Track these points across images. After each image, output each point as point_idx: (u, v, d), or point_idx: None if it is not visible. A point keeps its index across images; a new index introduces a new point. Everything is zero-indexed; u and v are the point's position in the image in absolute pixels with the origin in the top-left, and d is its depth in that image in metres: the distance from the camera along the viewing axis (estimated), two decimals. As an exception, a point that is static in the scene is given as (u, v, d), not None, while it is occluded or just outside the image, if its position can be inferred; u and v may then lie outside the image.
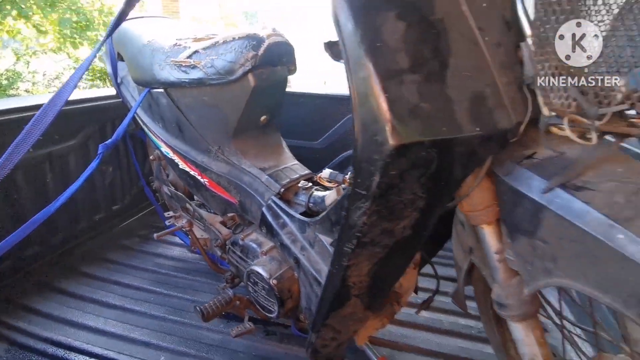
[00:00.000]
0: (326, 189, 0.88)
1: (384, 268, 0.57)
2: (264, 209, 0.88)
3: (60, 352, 0.93)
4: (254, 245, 0.91)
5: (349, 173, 0.78)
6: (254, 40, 0.80)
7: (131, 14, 1.17)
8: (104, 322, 1.03)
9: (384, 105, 0.42)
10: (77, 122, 1.33)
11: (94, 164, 0.90)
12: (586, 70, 0.36)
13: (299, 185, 0.92)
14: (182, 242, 1.36)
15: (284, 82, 0.91)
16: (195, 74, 0.86)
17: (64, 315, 1.04)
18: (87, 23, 4.78)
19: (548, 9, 0.37)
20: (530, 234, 0.44)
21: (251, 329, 0.87)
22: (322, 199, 0.85)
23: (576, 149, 0.42)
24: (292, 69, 0.91)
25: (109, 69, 1.25)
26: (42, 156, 1.21)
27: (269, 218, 0.87)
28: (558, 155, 0.44)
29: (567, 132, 0.39)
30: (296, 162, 1.00)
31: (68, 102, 1.28)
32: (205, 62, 0.84)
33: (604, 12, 0.37)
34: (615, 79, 0.34)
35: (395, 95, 0.41)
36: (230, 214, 1.00)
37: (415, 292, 0.93)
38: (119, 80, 1.20)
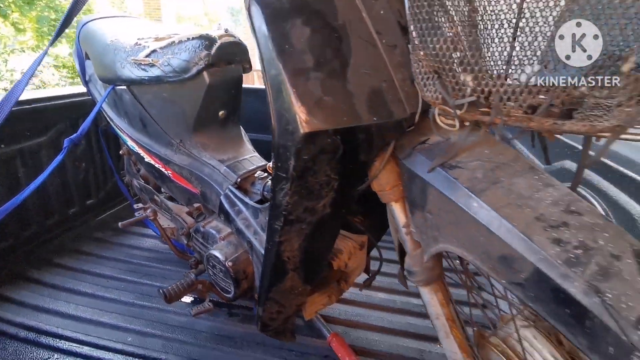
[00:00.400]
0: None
1: (313, 243, 0.65)
2: (222, 197, 0.95)
3: (32, 335, 0.99)
4: (213, 232, 0.98)
5: None
6: (207, 41, 0.87)
7: (101, 14, 1.23)
8: (75, 308, 1.09)
9: (293, 99, 0.49)
10: (48, 119, 1.37)
11: (59, 157, 0.95)
12: (447, 68, 0.43)
13: (255, 175, 0.98)
14: (154, 233, 1.42)
15: (239, 79, 0.97)
16: (154, 72, 0.92)
17: (36, 302, 1.10)
18: (66, 20, 4.74)
19: (418, 16, 0.44)
20: (422, 208, 0.52)
21: (210, 308, 0.94)
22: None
23: (458, 135, 0.50)
24: (246, 67, 0.97)
25: (77, 67, 1.29)
26: (14, 152, 1.25)
27: (226, 206, 0.94)
28: (444, 140, 0.51)
29: (437, 119, 0.46)
30: (255, 154, 1.06)
31: (39, 100, 1.35)
32: (162, 61, 0.90)
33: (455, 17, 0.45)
34: (465, 76, 0.42)
35: (303, 90, 0.49)
36: (195, 205, 1.06)
37: (367, 273, 1.01)
38: (87, 78, 1.25)
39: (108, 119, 1.19)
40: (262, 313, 0.78)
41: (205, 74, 0.89)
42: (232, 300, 0.95)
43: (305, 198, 0.57)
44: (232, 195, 0.94)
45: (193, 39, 0.88)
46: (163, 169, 1.06)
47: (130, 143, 1.12)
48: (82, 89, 1.50)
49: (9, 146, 1.24)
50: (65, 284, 1.19)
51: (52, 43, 0.86)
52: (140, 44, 0.97)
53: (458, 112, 0.43)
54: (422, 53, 0.44)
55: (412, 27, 0.45)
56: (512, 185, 0.43)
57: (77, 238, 1.45)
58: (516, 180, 0.43)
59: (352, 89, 0.50)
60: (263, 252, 0.84)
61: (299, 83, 0.48)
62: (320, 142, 0.51)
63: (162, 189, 1.20)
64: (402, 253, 0.74)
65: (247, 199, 0.91)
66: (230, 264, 0.88)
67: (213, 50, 0.87)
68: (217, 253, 0.90)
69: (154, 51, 0.92)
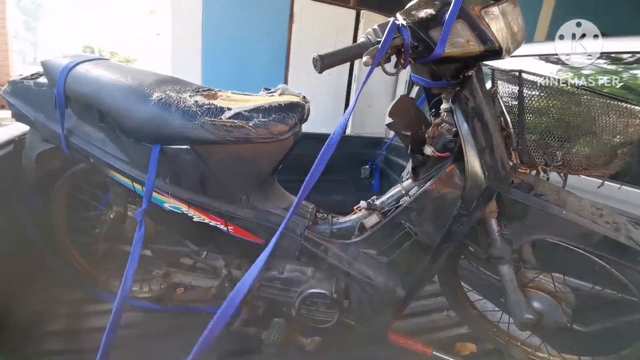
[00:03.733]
0: (332, 216, 1.15)
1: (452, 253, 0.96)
2: (303, 241, 1.06)
3: None
4: (297, 274, 1.07)
5: (376, 200, 1.10)
6: (299, 107, 0.98)
7: (79, 56, 1.03)
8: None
9: (481, 169, 0.81)
10: None
11: (140, 234, 0.81)
12: (548, 151, 0.87)
13: (318, 216, 1.14)
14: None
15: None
16: (240, 133, 0.94)
17: None
18: None
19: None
20: (520, 219, 0.93)
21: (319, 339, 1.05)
22: (346, 223, 1.12)
23: (528, 177, 0.94)
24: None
25: (32, 118, 1.00)
26: None
27: (310, 247, 1.06)
28: (522, 181, 0.95)
29: (535, 171, 0.90)
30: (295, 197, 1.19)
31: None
32: (253, 123, 0.94)
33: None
34: (559, 153, 0.86)
35: (483, 163, 0.81)
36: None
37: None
38: (65, 131, 1.00)
39: (121, 178, 1.01)
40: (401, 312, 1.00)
41: (292, 134, 0.99)
42: (328, 327, 1.07)
43: (466, 226, 0.88)
44: (312, 237, 1.07)
45: (286, 105, 0.97)
46: (222, 226, 1.04)
47: (171, 204, 1.01)
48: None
49: None
50: None
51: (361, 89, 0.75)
52: (206, 105, 0.94)
53: (549, 168, 0.88)
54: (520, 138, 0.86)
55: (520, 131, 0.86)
56: (570, 201, 0.91)
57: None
58: (568, 198, 0.92)
59: (496, 162, 0.86)
60: (363, 277, 1.05)
61: (483, 161, 0.81)
62: (488, 192, 0.85)
63: (200, 248, 1.12)
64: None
65: (330, 239, 1.07)
66: (336, 295, 1.03)
67: (304, 115, 0.99)
68: (319, 290, 1.03)
69: (238, 114, 0.94)
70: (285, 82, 3.50)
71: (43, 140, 1.05)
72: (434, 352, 1.21)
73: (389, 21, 0.75)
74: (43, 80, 1.04)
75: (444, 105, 0.94)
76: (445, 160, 0.95)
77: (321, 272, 1.08)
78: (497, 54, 0.79)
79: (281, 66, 3.52)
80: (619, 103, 0.84)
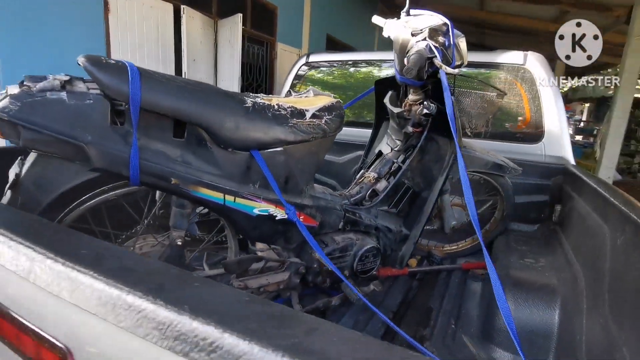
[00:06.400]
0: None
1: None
2: (346, 213, 1.33)
3: None
4: (349, 240, 1.32)
5: (371, 172, 1.47)
6: (341, 104, 1.22)
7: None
8: None
9: (459, 136, 1.36)
10: None
11: (303, 226, 0.87)
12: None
13: (340, 193, 1.41)
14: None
15: None
16: (320, 130, 1.10)
17: None
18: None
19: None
20: (455, 162, 1.57)
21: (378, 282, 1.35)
22: (358, 192, 1.45)
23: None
24: None
25: (77, 142, 0.77)
26: None
27: (351, 216, 1.34)
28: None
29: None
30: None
31: None
32: (324, 120, 1.12)
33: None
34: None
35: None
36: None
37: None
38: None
39: (214, 193, 0.94)
40: (415, 248, 1.44)
41: None
42: (375, 271, 1.39)
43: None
44: (350, 209, 1.36)
45: (336, 103, 1.18)
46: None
47: (261, 208, 1.03)
48: None
49: None
50: None
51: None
52: (293, 108, 1.04)
53: (470, 133, 1.54)
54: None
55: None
56: (476, 147, 1.61)
57: None
58: (475, 146, 1.62)
59: (455, 127, 1.44)
60: (384, 227, 1.44)
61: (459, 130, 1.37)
62: (458, 147, 1.42)
63: (271, 247, 1.15)
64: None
65: (360, 207, 1.39)
66: (378, 245, 1.37)
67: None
68: (369, 246, 1.34)
69: (314, 114, 1.09)
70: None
71: (95, 168, 0.80)
72: (408, 270, 1.74)
73: (428, 45, 1.16)
74: (81, 89, 0.79)
75: (412, 97, 1.43)
76: (416, 134, 1.45)
77: (359, 234, 1.38)
78: (462, 65, 1.34)
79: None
80: (487, 93, 1.58)
